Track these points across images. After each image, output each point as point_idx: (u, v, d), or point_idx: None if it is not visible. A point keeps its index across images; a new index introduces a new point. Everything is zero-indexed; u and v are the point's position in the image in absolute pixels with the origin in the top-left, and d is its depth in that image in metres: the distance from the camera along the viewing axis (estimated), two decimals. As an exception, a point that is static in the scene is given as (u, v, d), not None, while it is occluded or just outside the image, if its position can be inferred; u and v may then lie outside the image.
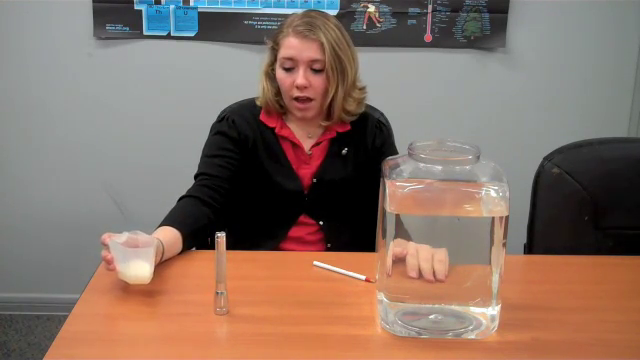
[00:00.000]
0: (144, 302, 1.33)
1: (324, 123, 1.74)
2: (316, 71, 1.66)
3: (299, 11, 1.72)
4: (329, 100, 1.69)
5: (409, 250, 1.25)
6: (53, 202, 2.68)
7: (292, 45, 1.65)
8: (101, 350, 1.19)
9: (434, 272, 1.25)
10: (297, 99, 1.67)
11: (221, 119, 1.78)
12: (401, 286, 1.26)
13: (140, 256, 1.33)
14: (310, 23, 1.65)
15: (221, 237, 1.27)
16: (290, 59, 1.65)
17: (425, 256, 1.25)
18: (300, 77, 1.64)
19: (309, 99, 1.67)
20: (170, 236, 1.50)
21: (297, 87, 1.65)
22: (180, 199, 1.67)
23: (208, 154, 1.75)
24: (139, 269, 1.33)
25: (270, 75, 1.73)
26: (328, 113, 1.73)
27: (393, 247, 1.22)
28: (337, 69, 1.65)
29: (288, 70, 1.66)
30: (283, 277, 1.48)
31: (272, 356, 1.19)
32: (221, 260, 1.28)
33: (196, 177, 1.72)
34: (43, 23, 2.50)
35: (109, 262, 1.35)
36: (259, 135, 1.75)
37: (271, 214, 1.76)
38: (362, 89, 1.76)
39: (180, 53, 2.53)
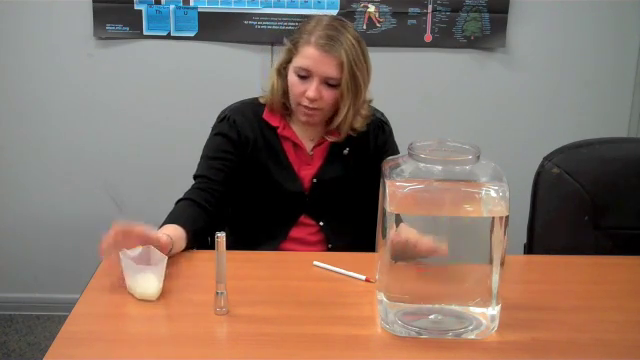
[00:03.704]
0: (144, 302, 1.33)
1: (329, 138, 1.74)
2: (329, 85, 1.65)
3: (322, 16, 1.70)
4: (340, 119, 1.69)
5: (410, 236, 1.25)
6: (53, 202, 2.68)
7: (310, 56, 1.63)
8: (101, 350, 1.19)
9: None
10: (304, 107, 1.67)
11: (222, 119, 1.77)
12: (401, 286, 1.26)
13: (151, 272, 1.33)
14: (333, 37, 1.62)
15: (221, 237, 1.27)
16: (306, 70, 1.64)
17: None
18: (312, 90, 1.63)
19: (316, 109, 1.67)
20: (176, 233, 1.51)
21: (307, 98, 1.65)
22: (178, 202, 1.67)
23: (206, 155, 1.75)
24: (148, 285, 1.33)
25: (282, 74, 1.72)
26: (330, 128, 1.73)
27: (399, 231, 1.21)
28: (352, 88, 1.65)
29: (302, 78, 1.65)
30: (283, 277, 1.48)
31: (272, 356, 1.19)
32: (221, 260, 1.28)
33: (195, 178, 1.73)
34: (43, 23, 2.50)
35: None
36: (260, 135, 1.74)
37: (272, 214, 1.76)
38: (368, 102, 1.75)
39: (180, 53, 2.53)
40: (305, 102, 1.66)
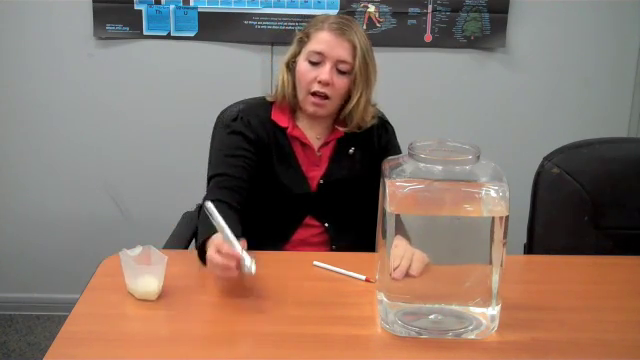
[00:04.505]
0: (144, 302, 1.33)
1: (340, 128, 1.74)
2: (340, 72, 1.66)
3: (331, 12, 1.73)
4: (352, 105, 1.69)
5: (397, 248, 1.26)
6: (53, 202, 2.68)
7: (325, 40, 1.64)
8: (101, 350, 1.19)
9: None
10: (314, 94, 1.66)
11: (235, 118, 1.74)
12: (401, 286, 1.26)
13: (150, 272, 1.33)
14: (346, 24, 1.66)
15: (210, 205, 1.31)
16: (319, 53, 1.65)
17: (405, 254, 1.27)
18: (325, 73, 1.64)
19: (326, 97, 1.67)
20: None
21: (319, 82, 1.64)
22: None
23: (227, 153, 1.70)
24: (148, 285, 1.33)
25: (291, 68, 1.71)
26: (337, 117, 1.73)
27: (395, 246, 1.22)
28: (364, 75, 1.66)
29: (313, 64, 1.66)
30: (283, 277, 1.48)
31: (272, 356, 1.19)
32: (221, 224, 1.30)
33: (213, 177, 1.66)
34: (43, 23, 2.50)
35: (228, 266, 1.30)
36: (272, 136, 1.73)
37: (277, 216, 1.75)
38: (374, 105, 1.76)
39: (180, 53, 2.53)
40: (316, 87, 1.65)
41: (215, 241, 1.34)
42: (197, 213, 1.59)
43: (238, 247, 1.30)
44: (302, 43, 1.69)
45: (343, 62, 1.65)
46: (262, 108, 1.76)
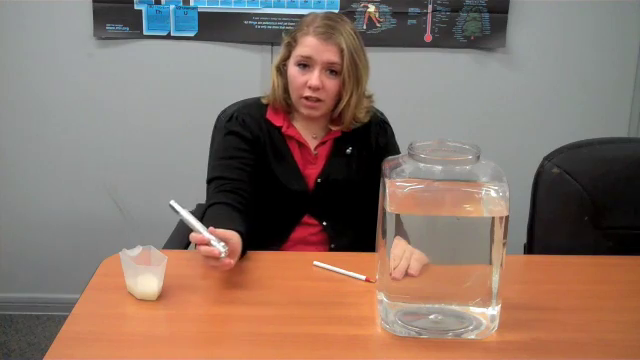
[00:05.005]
0: (144, 302, 1.33)
1: (333, 128, 1.74)
2: (331, 73, 1.66)
3: (318, 12, 1.72)
4: (342, 106, 1.69)
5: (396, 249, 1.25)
6: (53, 202, 2.68)
7: (311, 44, 1.64)
8: (101, 350, 1.19)
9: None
10: (307, 98, 1.67)
11: (230, 118, 1.75)
12: (401, 286, 1.26)
13: (151, 272, 1.33)
14: (332, 27, 1.64)
15: (172, 203, 1.38)
16: (307, 57, 1.64)
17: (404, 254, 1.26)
18: (315, 78, 1.64)
19: (319, 100, 1.67)
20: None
21: (309, 87, 1.65)
22: (208, 207, 1.59)
23: (224, 156, 1.71)
24: (148, 285, 1.33)
25: (281, 71, 1.72)
26: (333, 116, 1.73)
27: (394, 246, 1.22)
28: (353, 76, 1.66)
29: (302, 68, 1.66)
30: (283, 277, 1.48)
31: (272, 356, 1.19)
32: (185, 218, 1.35)
33: (212, 180, 1.67)
34: (43, 23, 2.50)
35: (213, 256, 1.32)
36: (267, 135, 1.73)
37: (275, 215, 1.75)
38: (369, 97, 1.76)
39: (180, 53, 2.53)
40: (307, 93, 1.65)
41: (193, 240, 1.35)
42: (198, 213, 1.60)
43: (205, 232, 1.33)
44: (290, 47, 1.69)
45: (332, 64, 1.65)
46: (257, 108, 1.76)
